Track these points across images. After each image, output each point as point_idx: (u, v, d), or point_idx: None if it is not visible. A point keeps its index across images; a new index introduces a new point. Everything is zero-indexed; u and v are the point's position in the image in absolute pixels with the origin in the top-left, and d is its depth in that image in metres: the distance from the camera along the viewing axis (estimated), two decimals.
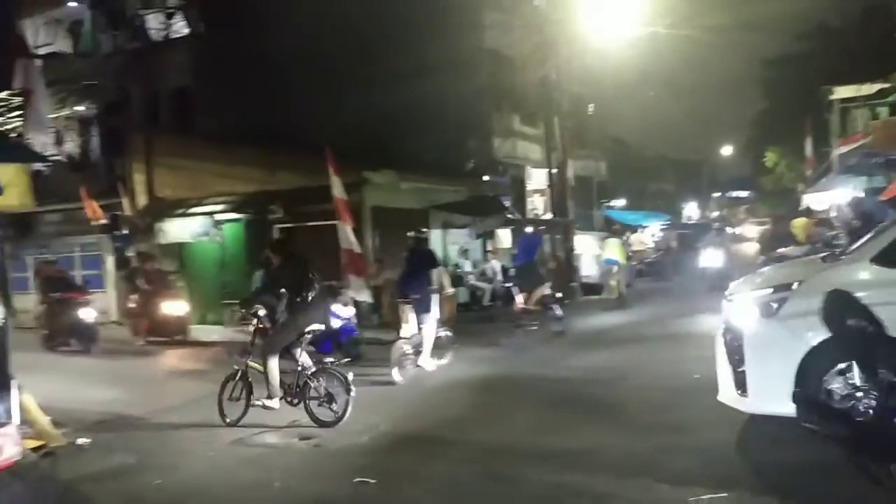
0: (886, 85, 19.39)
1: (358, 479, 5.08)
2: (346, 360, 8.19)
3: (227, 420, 6.94)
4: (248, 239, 15.87)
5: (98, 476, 5.64)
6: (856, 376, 4.74)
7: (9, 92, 13.89)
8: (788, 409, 4.76)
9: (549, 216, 19.75)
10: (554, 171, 18.77)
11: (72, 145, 22.00)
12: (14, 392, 6.19)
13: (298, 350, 7.04)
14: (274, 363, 6.98)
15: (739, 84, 65.60)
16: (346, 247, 11.62)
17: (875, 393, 1.62)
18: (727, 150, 51.43)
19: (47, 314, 13.24)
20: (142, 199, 17.26)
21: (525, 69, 18.74)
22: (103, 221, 16.62)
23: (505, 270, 16.65)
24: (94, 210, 16.29)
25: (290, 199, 14.72)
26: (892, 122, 21.44)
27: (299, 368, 7.03)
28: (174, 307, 13.88)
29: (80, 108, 21.35)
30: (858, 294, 4.75)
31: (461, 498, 4.87)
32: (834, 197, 21.78)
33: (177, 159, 17.26)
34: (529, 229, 14.63)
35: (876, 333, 1.64)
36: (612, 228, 19.89)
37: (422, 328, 9.12)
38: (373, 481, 5.05)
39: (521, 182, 21.47)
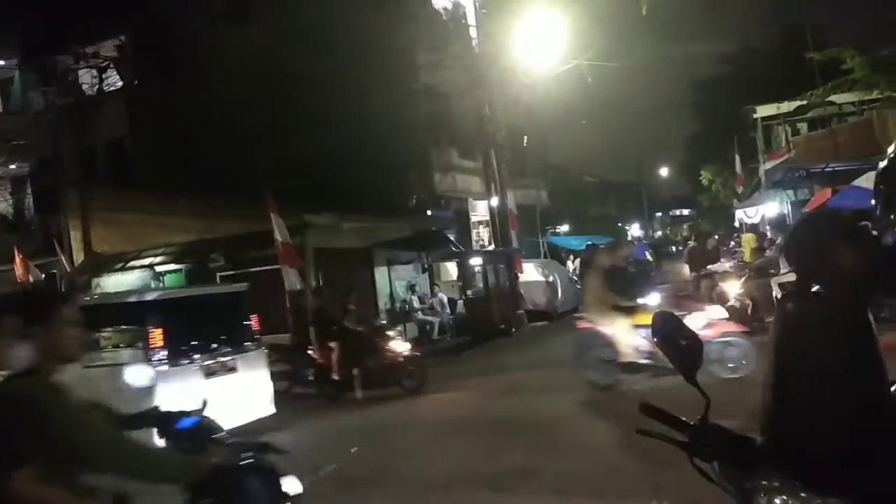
0: (803, 102, 20.35)
1: None
2: None
3: None
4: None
5: None
6: None
7: None
8: None
9: (492, 247, 20.06)
10: (494, 201, 19.15)
11: (4, 205, 21.49)
12: None
13: None
14: None
15: (673, 108, 68.05)
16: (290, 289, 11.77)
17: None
18: (664, 171, 52.97)
19: None
20: (79, 256, 16.95)
21: (460, 104, 19.22)
22: (32, 282, 16.06)
23: (452, 303, 16.98)
24: (24, 270, 15.80)
25: (231, 246, 14.66)
26: (811, 138, 22.60)
27: None
28: None
29: (12, 166, 20.92)
30: None
31: None
32: (763, 210, 22.74)
33: (114, 213, 17.05)
34: None
35: (700, 347, 1.88)
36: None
37: None
38: None
39: (464, 215, 21.78)
